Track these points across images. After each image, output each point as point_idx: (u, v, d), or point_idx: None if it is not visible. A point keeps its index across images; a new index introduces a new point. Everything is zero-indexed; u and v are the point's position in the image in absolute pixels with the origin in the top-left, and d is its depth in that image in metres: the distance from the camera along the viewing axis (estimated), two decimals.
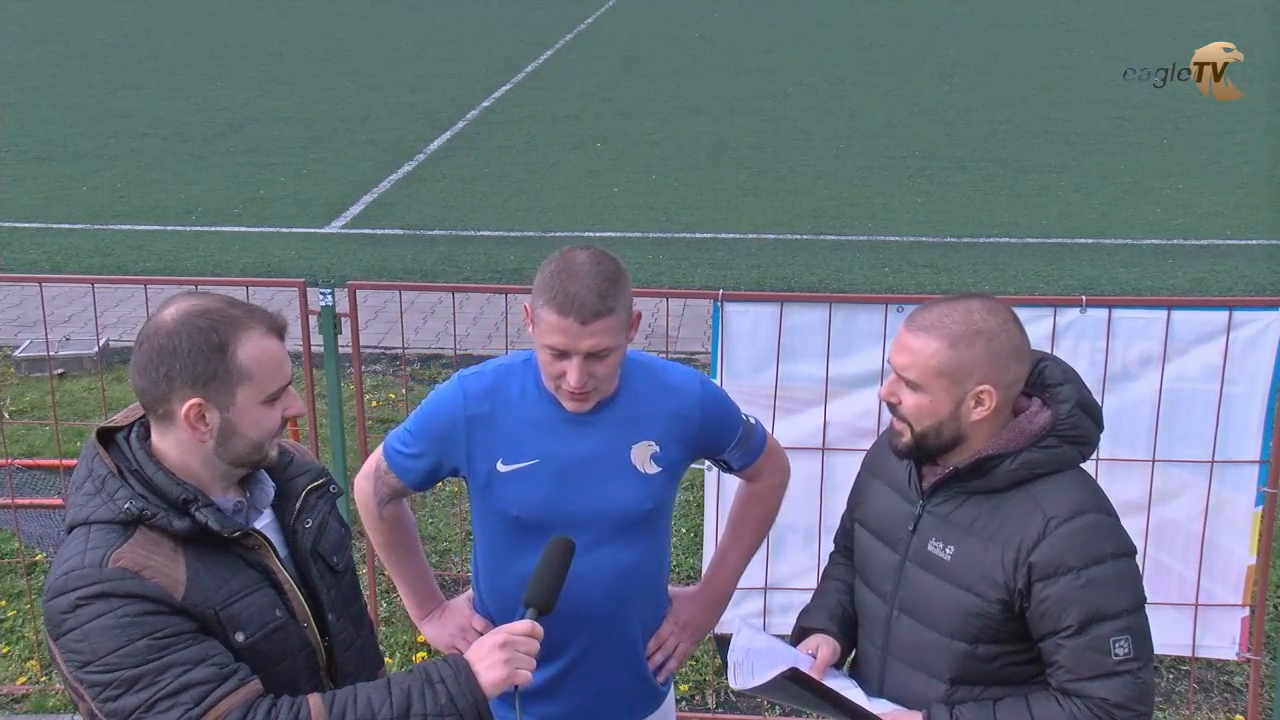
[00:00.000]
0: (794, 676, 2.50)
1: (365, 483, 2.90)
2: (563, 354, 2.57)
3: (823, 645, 2.70)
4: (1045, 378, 2.54)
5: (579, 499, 2.71)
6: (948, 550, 2.50)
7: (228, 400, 2.18)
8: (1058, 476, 2.47)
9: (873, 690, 2.65)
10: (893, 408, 2.54)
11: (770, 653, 2.64)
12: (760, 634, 2.74)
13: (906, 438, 2.52)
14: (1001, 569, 2.42)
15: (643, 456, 2.75)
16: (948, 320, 2.45)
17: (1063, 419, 2.47)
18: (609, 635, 2.83)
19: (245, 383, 2.18)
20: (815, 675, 2.60)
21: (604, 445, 2.71)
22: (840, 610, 2.78)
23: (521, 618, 2.31)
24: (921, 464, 2.58)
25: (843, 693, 2.57)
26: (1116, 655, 2.37)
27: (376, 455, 2.89)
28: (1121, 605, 2.39)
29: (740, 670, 2.62)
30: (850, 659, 2.80)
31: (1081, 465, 2.54)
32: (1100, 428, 2.55)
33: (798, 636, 2.79)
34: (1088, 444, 2.52)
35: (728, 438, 2.88)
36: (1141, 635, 2.41)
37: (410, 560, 3.01)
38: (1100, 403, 2.59)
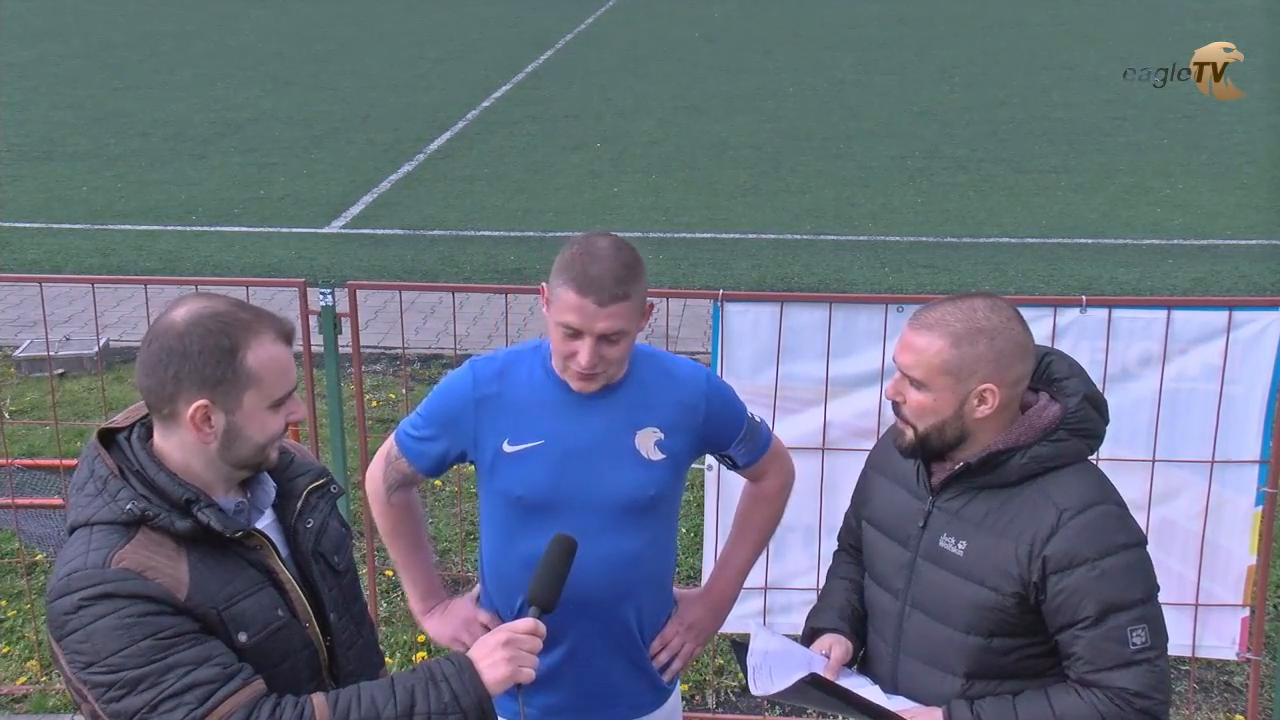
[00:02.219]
0: (814, 681, 2.50)
1: (375, 469, 2.94)
2: (576, 333, 2.61)
3: (835, 645, 2.70)
4: (1051, 372, 2.56)
5: (581, 481, 2.73)
6: (960, 545, 2.51)
7: (234, 403, 2.18)
8: (1067, 470, 2.49)
9: (886, 688, 2.65)
10: (897, 407, 2.56)
11: (786, 656, 2.65)
12: (775, 636, 2.74)
13: (910, 436, 2.54)
14: (1016, 562, 2.44)
15: (646, 443, 2.77)
16: (950, 319, 2.46)
17: (1071, 412, 2.49)
18: (607, 625, 2.83)
19: (253, 387, 2.18)
20: (830, 675, 2.60)
21: (607, 429, 2.74)
22: (850, 609, 2.78)
23: (520, 612, 2.31)
24: (929, 461, 2.59)
25: (860, 692, 2.58)
26: (1134, 645, 2.39)
27: (388, 442, 2.93)
28: (1137, 595, 2.41)
29: (759, 675, 2.62)
30: (860, 657, 2.80)
31: (1089, 459, 2.56)
32: (1106, 420, 2.57)
33: (808, 637, 2.79)
34: (1095, 437, 2.54)
35: (732, 432, 2.90)
36: (1157, 624, 2.44)
37: (416, 552, 3.02)
38: None
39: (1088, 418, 2.51)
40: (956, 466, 2.52)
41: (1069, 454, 2.49)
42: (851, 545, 2.88)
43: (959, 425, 2.49)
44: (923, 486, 2.61)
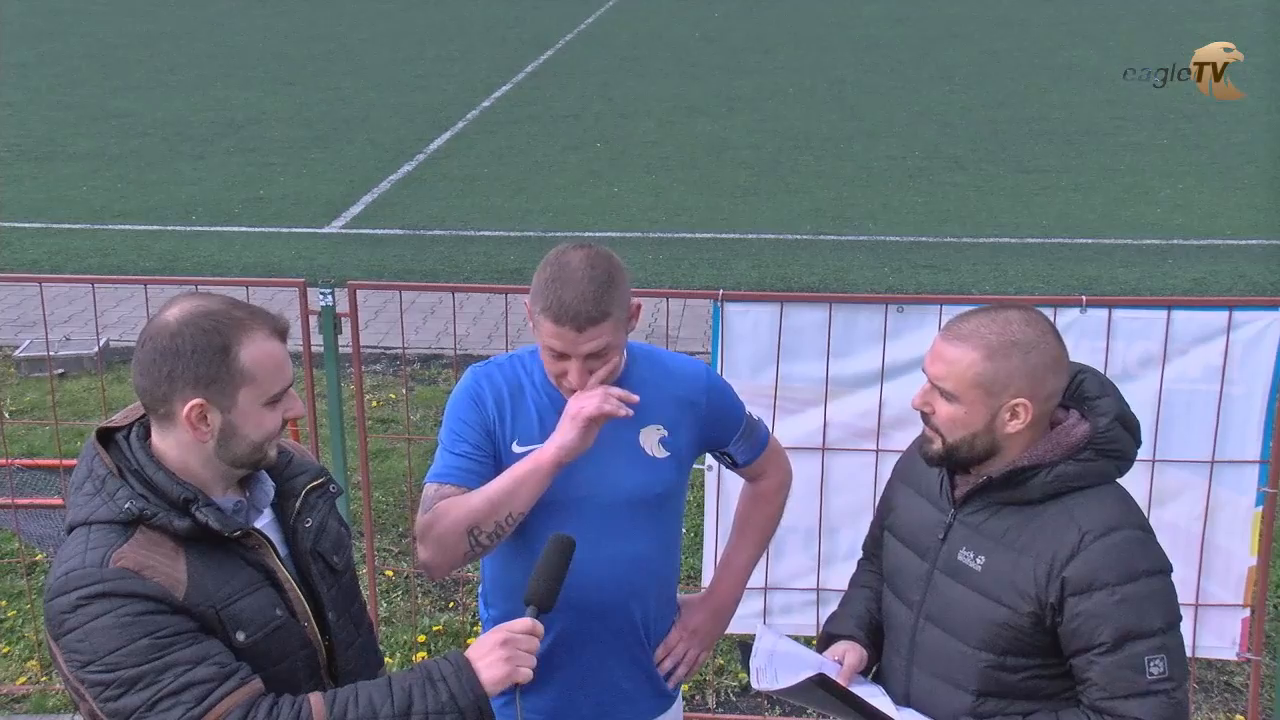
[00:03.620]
0: (821, 682, 2.48)
1: (419, 523, 2.73)
2: (563, 355, 2.61)
3: (849, 652, 2.67)
4: (1084, 390, 2.50)
5: (587, 479, 2.71)
6: (978, 560, 2.46)
7: (229, 402, 2.18)
8: (1094, 491, 2.43)
9: (898, 701, 2.61)
10: (926, 417, 2.50)
11: (793, 658, 2.63)
12: (782, 639, 2.73)
13: (937, 445, 2.48)
14: (1034, 581, 2.39)
15: (651, 440, 2.77)
16: (985, 331, 2.41)
17: (1101, 432, 2.43)
18: (614, 627, 2.81)
19: (247, 385, 2.18)
20: (843, 681, 2.58)
21: (611, 428, 2.70)
22: (868, 618, 2.75)
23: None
24: (954, 472, 2.55)
25: (870, 700, 2.55)
26: (1151, 674, 2.33)
27: (424, 493, 2.75)
28: (1157, 623, 2.36)
29: (764, 675, 2.60)
30: (876, 669, 2.77)
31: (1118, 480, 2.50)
32: (1138, 443, 2.51)
33: (824, 643, 2.77)
34: (1125, 459, 2.48)
35: (732, 429, 2.90)
36: (1177, 655, 2.38)
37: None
38: None
39: (1117, 438, 2.44)
40: (980, 480, 2.47)
41: (1095, 474, 2.43)
42: (875, 554, 2.83)
43: (989, 439, 2.44)
44: (945, 498, 2.56)
